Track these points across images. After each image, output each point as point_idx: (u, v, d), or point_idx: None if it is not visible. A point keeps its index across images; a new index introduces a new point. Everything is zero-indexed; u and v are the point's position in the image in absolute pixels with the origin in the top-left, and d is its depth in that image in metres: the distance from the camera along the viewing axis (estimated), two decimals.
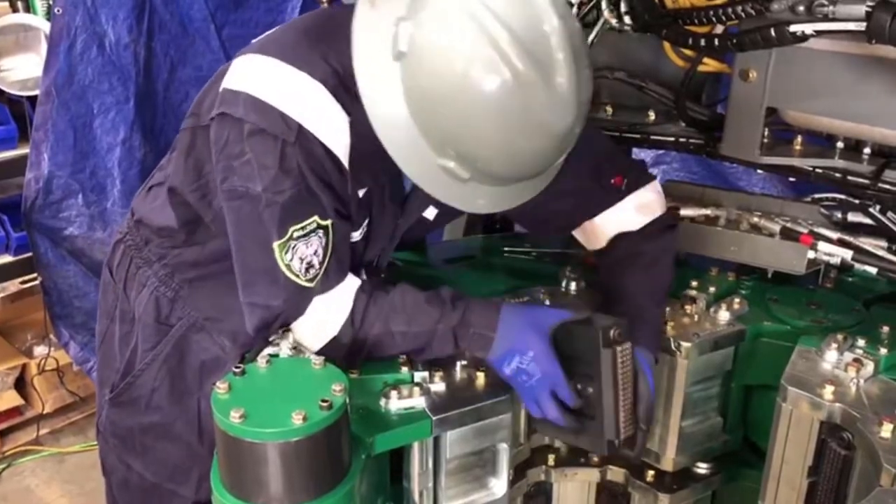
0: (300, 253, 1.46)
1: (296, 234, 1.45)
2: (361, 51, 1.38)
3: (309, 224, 1.46)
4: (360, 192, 1.58)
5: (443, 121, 1.36)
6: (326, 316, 1.53)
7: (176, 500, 1.82)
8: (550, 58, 1.32)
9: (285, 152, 1.42)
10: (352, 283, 1.56)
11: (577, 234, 1.92)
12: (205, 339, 1.70)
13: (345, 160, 1.48)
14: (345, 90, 1.44)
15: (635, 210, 1.82)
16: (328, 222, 1.48)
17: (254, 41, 1.57)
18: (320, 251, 1.49)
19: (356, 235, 1.63)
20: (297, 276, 1.48)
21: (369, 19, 1.39)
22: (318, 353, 1.49)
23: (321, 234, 1.48)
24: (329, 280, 1.52)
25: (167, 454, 1.79)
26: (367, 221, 1.64)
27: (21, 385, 3.61)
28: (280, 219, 1.45)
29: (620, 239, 1.83)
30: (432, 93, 1.34)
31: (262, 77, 1.46)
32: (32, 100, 2.94)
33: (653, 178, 1.87)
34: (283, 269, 1.47)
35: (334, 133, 1.45)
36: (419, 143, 1.39)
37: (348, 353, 1.54)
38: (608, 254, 1.86)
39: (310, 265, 1.48)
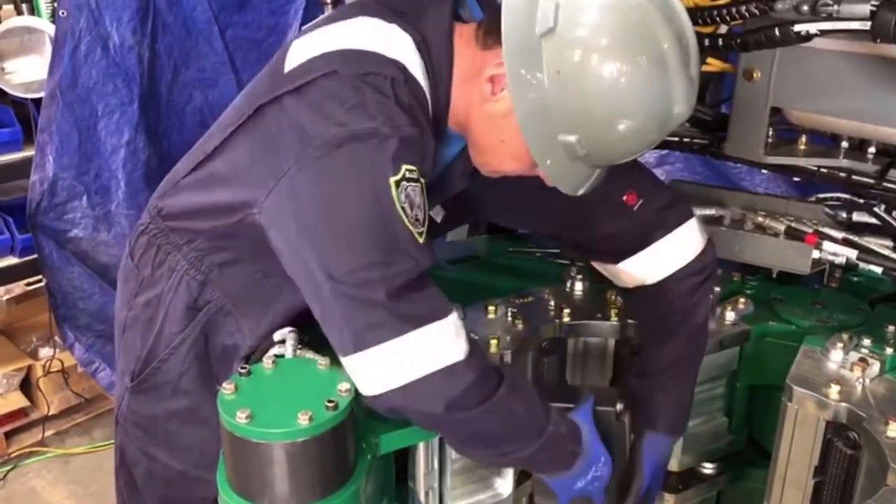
0: (410, 199, 1.33)
1: (408, 175, 1.33)
2: (511, 22, 1.34)
3: (416, 171, 1.35)
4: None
5: (581, 98, 1.34)
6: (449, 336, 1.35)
7: (202, 486, 1.76)
8: (689, 47, 1.35)
9: (398, 89, 1.35)
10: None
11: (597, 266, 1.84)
12: (231, 324, 1.66)
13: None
14: (428, 52, 1.42)
15: (654, 259, 1.69)
16: (423, 180, 1.37)
17: (316, 22, 1.53)
18: (422, 206, 1.36)
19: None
20: (411, 224, 1.32)
21: None
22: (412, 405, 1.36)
23: (420, 188, 1.36)
24: (425, 256, 1.35)
25: (194, 439, 1.75)
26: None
27: (26, 386, 3.62)
28: (395, 152, 1.31)
29: (640, 292, 1.73)
30: (577, 70, 1.33)
31: (355, 33, 1.41)
32: (37, 102, 2.95)
33: (690, 215, 1.70)
34: (399, 210, 1.31)
35: (425, 83, 1.41)
36: (546, 115, 1.36)
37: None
38: (634, 309, 1.79)
39: (417, 218, 1.34)
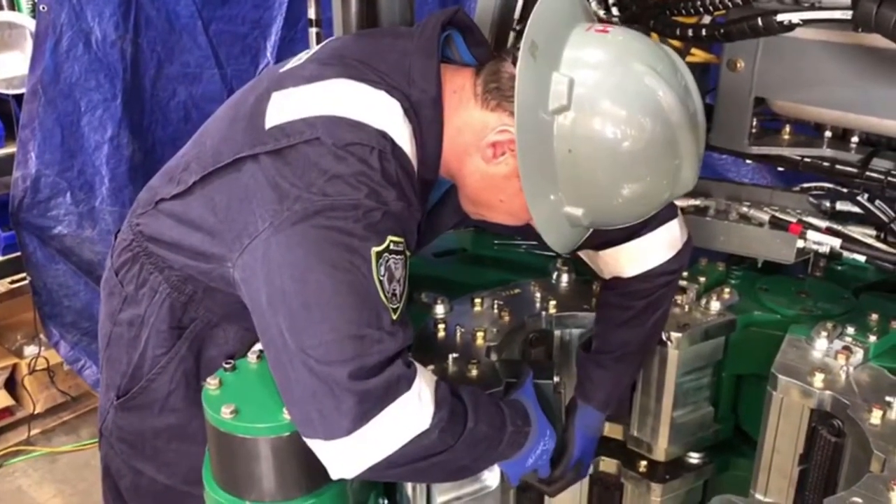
0: (391, 272, 1.30)
1: (392, 247, 1.30)
2: (524, 100, 1.32)
3: (401, 243, 1.32)
4: None
5: (594, 174, 1.35)
6: (419, 402, 1.31)
7: (190, 500, 1.78)
8: (697, 121, 1.37)
9: (385, 163, 1.31)
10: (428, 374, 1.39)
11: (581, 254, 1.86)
12: (219, 336, 1.64)
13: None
14: (416, 116, 1.39)
15: (635, 254, 1.71)
16: (408, 252, 1.36)
17: (285, 70, 1.48)
18: (403, 280, 1.33)
19: None
20: (388, 300, 1.28)
21: (531, 69, 1.32)
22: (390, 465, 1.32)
23: (403, 262, 1.33)
24: (400, 335, 1.31)
25: (181, 456, 1.74)
26: None
27: (11, 385, 3.60)
28: (379, 224, 1.28)
29: (615, 282, 1.76)
30: (588, 147, 1.32)
31: (336, 96, 1.36)
32: (19, 98, 2.92)
33: (674, 214, 1.73)
34: (377, 282, 1.27)
35: (411, 153, 1.38)
36: (552, 188, 1.37)
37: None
38: (603, 291, 1.82)
39: (394, 293, 1.31)
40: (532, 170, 1.33)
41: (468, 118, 1.43)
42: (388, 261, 1.29)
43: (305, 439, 1.30)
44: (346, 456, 1.29)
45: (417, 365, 1.35)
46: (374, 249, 1.28)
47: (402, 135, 1.36)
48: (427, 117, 1.40)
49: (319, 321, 1.25)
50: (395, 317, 1.30)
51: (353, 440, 1.26)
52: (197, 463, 1.73)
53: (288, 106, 1.38)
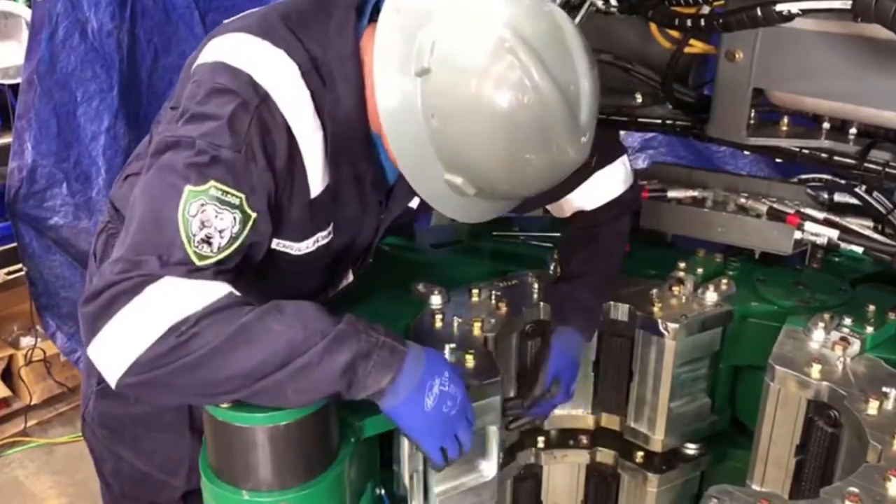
0: (206, 217, 1.28)
1: (214, 192, 1.29)
2: (383, 61, 1.34)
3: (233, 196, 1.31)
4: (317, 191, 1.48)
5: (460, 140, 1.33)
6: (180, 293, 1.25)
7: (167, 490, 1.81)
8: (577, 89, 1.32)
9: (239, 112, 1.32)
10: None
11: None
12: None
13: (305, 149, 1.41)
14: (319, 77, 1.40)
15: (595, 189, 1.84)
16: (253, 213, 1.33)
17: (227, 21, 1.52)
18: (227, 235, 1.31)
19: (306, 245, 1.54)
20: (188, 239, 1.27)
21: (394, 26, 1.34)
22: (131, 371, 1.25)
23: (238, 219, 1.32)
24: (206, 275, 1.28)
25: (157, 445, 1.77)
26: (331, 225, 1.56)
27: (8, 376, 3.60)
28: (204, 167, 1.29)
29: (577, 216, 1.87)
30: (455, 112, 1.31)
31: (237, 48, 1.39)
32: (14, 88, 2.91)
33: (623, 151, 1.88)
34: (180, 222, 1.26)
35: (299, 117, 1.38)
36: (430, 157, 1.36)
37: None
38: (565, 228, 1.92)
39: (207, 239, 1.28)
40: (404, 138, 1.34)
41: None
42: (205, 205, 1.28)
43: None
44: (99, 363, 1.27)
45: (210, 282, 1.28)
46: (189, 188, 1.28)
47: (288, 95, 1.36)
48: (340, 74, 1.40)
49: (120, 244, 1.29)
50: (197, 262, 1.27)
51: (95, 346, 1.25)
52: (173, 453, 1.74)
53: (209, 50, 1.42)
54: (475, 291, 1.87)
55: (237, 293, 1.30)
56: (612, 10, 2.09)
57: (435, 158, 1.36)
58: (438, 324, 1.75)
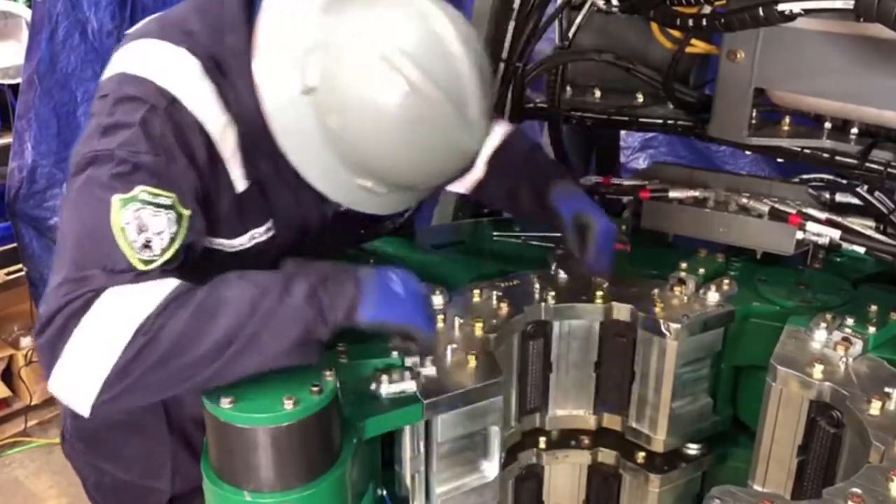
0: (142, 221, 1.30)
1: (143, 197, 1.31)
2: (269, 81, 1.38)
3: (164, 198, 1.33)
4: (243, 186, 1.49)
5: (359, 150, 1.36)
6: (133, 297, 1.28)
7: (152, 495, 1.80)
8: (461, 86, 1.34)
9: (150, 116, 1.34)
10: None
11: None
12: None
13: (222, 145, 1.43)
14: (220, 73, 1.41)
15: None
16: (187, 211, 1.36)
17: (129, 32, 1.53)
18: (166, 236, 1.33)
19: (241, 242, 1.55)
20: (129, 247, 1.29)
21: (276, 45, 1.38)
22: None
23: (174, 219, 1.34)
24: (153, 276, 1.31)
25: (137, 451, 1.76)
26: (270, 221, 1.57)
27: (8, 376, 3.60)
28: (128, 175, 1.31)
29: (495, 158, 1.91)
30: (347, 126, 1.34)
31: (139, 56, 1.41)
32: (14, 88, 2.91)
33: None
34: (116, 232, 1.28)
35: (208, 114, 1.40)
36: (336, 168, 1.39)
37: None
38: (491, 181, 1.94)
39: (147, 244, 1.31)
40: (306, 155, 1.38)
41: None
42: (139, 210, 1.30)
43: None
44: (64, 394, 1.28)
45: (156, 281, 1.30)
46: (119, 197, 1.30)
47: (194, 94, 1.39)
48: (237, 70, 1.41)
49: (58, 265, 1.30)
50: (143, 266, 1.29)
51: (57, 377, 1.26)
52: (154, 458, 1.74)
53: (106, 71, 1.45)
54: (476, 291, 1.86)
55: (185, 283, 1.32)
56: (614, 9, 2.10)
57: (341, 166, 1.39)
58: (440, 324, 1.75)
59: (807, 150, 1.96)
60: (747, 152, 2.14)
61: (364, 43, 1.31)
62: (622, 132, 3.21)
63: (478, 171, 1.93)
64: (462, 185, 1.98)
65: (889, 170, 1.87)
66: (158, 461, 1.76)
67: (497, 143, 1.93)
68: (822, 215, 1.97)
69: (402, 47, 1.30)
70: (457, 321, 1.75)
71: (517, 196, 1.93)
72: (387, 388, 1.51)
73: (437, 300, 1.83)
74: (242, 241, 1.55)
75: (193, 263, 1.42)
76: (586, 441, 2.00)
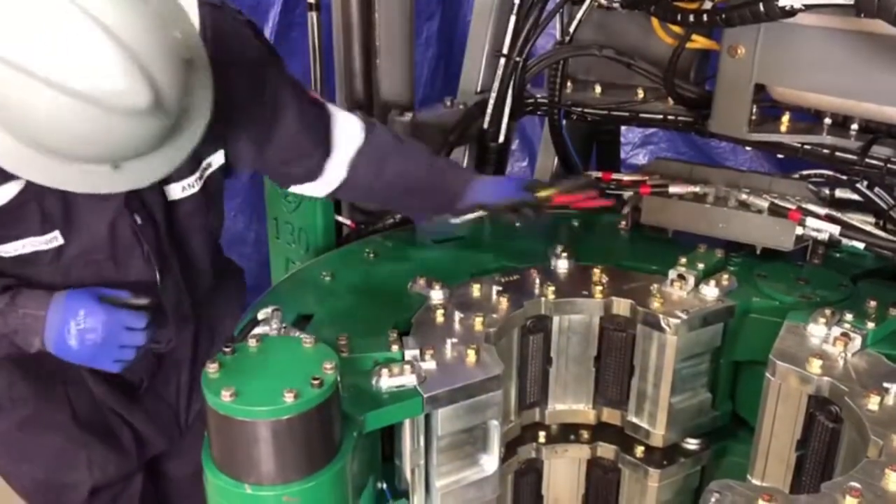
0: None
1: None
2: None
3: None
4: (11, 190, 1.45)
5: (20, 120, 1.28)
6: None
7: (73, 490, 1.79)
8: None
9: None
10: None
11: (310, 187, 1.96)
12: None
13: None
14: None
15: (341, 146, 1.89)
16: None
17: None
18: None
19: (11, 249, 1.53)
20: None
21: None
22: None
23: None
24: None
25: (48, 446, 1.76)
26: (56, 230, 1.54)
27: None
28: None
29: (358, 160, 1.90)
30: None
31: None
32: None
33: (327, 114, 1.90)
34: None
35: None
36: (42, 159, 1.33)
37: None
38: (360, 178, 1.93)
39: None
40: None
41: None
42: None
43: None
44: None
45: None
46: None
47: None
48: None
49: None
50: None
51: None
52: (66, 450, 1.75)
53: None
54: (477, 286, 1.87)
55: None
56: (615, 5, 2.10)
57: (44, 156, 1.32)
58: (440, 319, 1.76)
59: (807, 146, 1.96)
60: (747, 148, 2.14)
61: None
62: (623, 128, 3.21)
63: (340, 171, 1.91)
64: (325, 188, 1.95)
65: (889, 166, 1.87)
66: (71, 452, 1.77)
67: (359, 143, 1.91)
68: (822, 211, 1.97)
69: None
70: (457, 315, 1.75)
71: (396, 189, 1.97)
72: (387, 382, 1.52)
73: (438, 295, 1.84)
74: (17, 248, 1.53)
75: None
76: (586, 435, 2.00)
